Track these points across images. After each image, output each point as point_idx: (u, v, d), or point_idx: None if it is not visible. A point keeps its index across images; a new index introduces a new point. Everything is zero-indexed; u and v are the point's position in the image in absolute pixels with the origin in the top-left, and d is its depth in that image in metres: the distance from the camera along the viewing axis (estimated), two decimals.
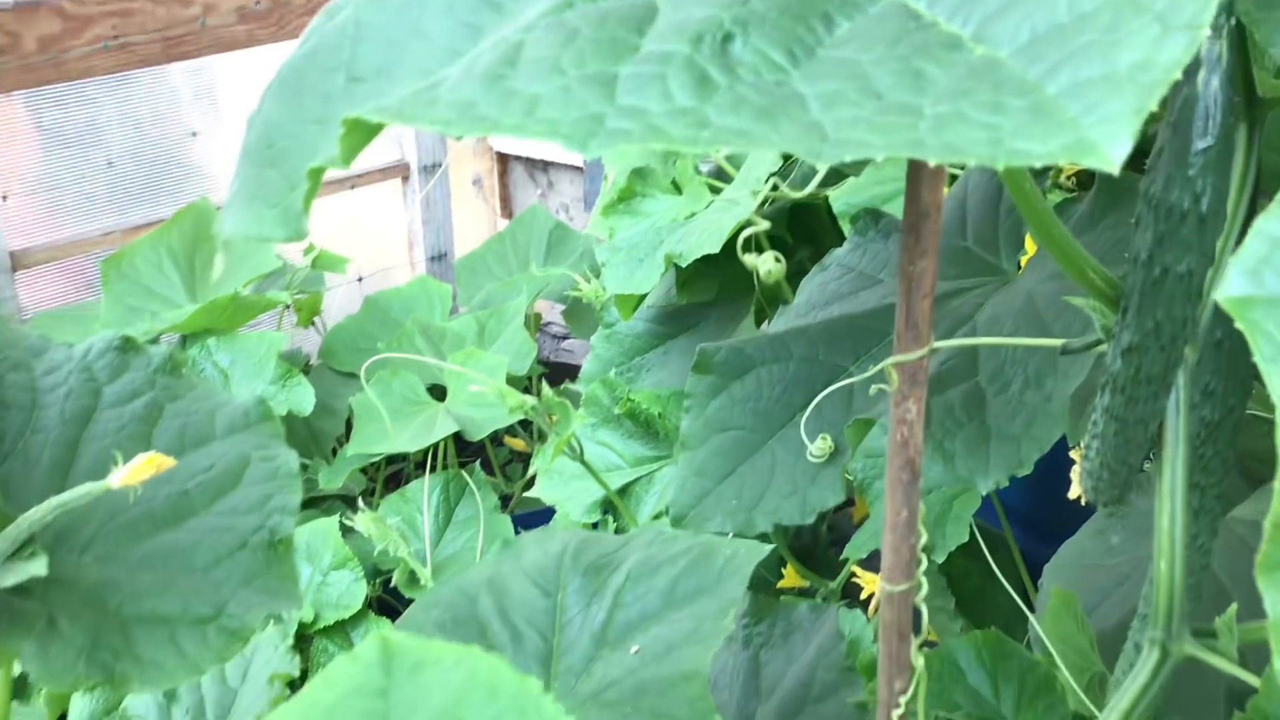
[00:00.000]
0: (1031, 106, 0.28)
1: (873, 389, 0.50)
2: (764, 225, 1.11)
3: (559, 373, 2.56)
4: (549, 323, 2.87)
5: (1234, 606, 0.55)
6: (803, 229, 1.59)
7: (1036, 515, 1.41)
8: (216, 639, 0.70)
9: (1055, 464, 1.34)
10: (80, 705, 1.48)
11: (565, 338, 2.90)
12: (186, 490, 0.78)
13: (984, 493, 0.85)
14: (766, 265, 1.08)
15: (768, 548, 0.73)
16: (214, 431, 0.82)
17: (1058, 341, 0.61)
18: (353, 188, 2.59)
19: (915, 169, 0.46)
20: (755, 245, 1.54)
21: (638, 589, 0.75)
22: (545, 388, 1.19)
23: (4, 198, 2.04)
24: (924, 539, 0.50)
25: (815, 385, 0.82)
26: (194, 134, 2.27)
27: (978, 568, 1.37)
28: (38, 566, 0.64)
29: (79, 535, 0.74)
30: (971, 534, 1.25)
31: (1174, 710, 0.69)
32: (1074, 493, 0.64)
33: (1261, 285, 0.28)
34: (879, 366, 0.55)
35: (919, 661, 0.52)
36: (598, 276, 1.88)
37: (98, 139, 2.16)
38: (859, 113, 0.29)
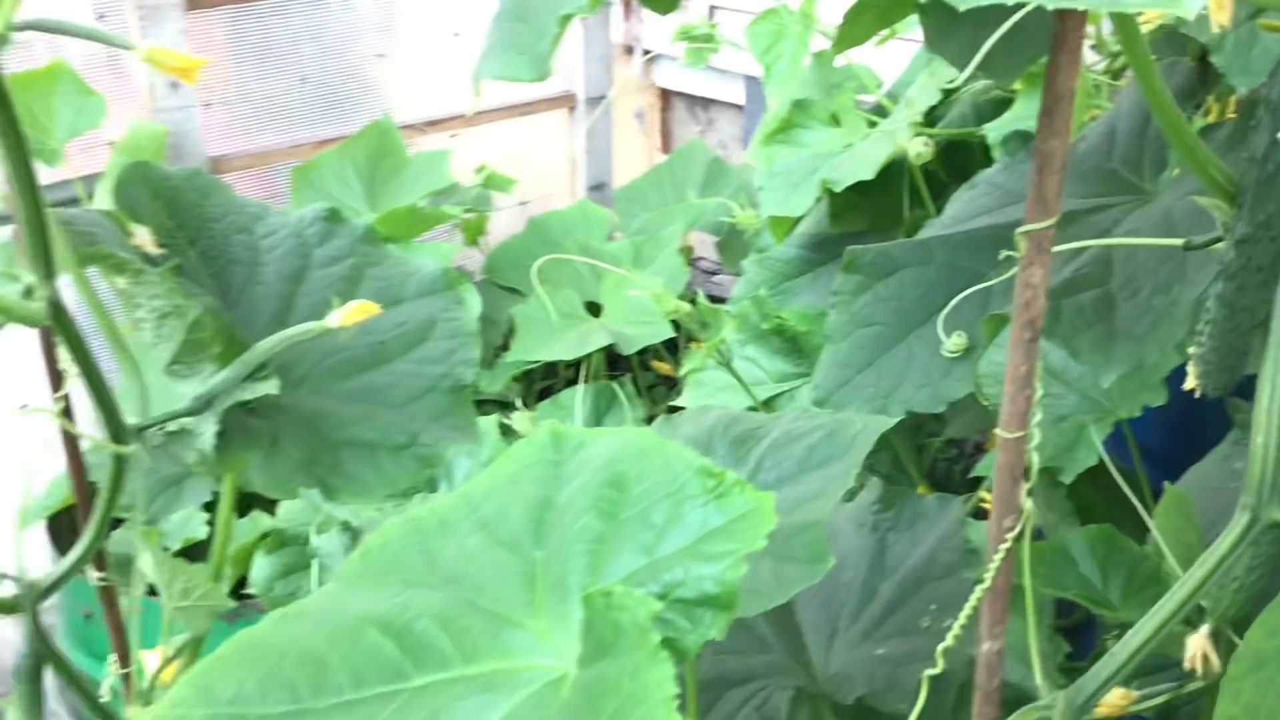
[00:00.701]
0: None
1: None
2: (917, 116, 1.17)
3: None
4: (700, 257, 2.95)
5: None
6: (957, 166, 1.63)
7: (1170, 453, 1.43)
8: (410, 463, 0.81)
9: (1192, 404, 1.37)
10: (261, 564, 1.64)
11: (716, 272, 2.97)
12: (384, 341, 0.89)
13: (1105, 385, 0.89)
14: (916, 148, 1.14)
15: (893, 421, 0.80)
16: (406, 294, 0.92)
17: (1178, 241, 0.66)
18: (522, 115, 2.70)
19: (1054, 60, 0.52)
20: (910, 184, 1.59)
21: (777, 456, 0.83)
22: (700, 296, 1.27)
23: (207, 105, 2.20)
24: (1039, 393, 0.57)
25: (955, 288, 0.88)
26: (380, 55, 2.41)
27: (1105, 499, 1.41)
28: (270, 386, 0.76)
29: (297, 372, 0.86)
30: (1102, 467, 1.28)
31: None
32: (1190, 384, 0.70)
33: None
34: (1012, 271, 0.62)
35: (1028, 503, 0.59)
36: (753, 208, 1.95)
37: (293, 56, 2.31)
38: None
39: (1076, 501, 1.39)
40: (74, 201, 2.02)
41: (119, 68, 2.17)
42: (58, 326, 0.61)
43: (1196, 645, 0.76)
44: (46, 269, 0.59)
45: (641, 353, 2.26)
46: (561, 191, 2.88)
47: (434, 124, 2.54)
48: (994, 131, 1.29)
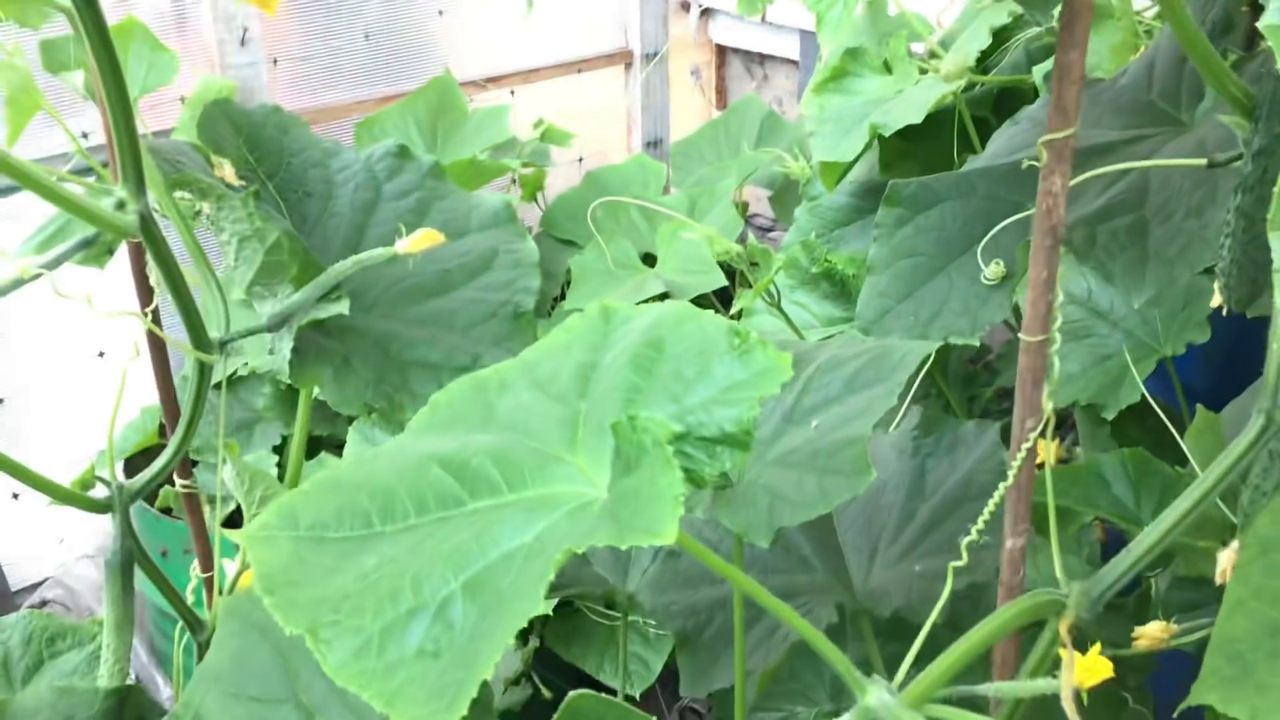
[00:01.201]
0: None
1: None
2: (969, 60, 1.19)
3: None
4: (755, 214, 2.97)
5: None
6: (1009, 112, 1.64)
7: (1213, 390, 1.45)
8: None
9: (1234, 341, 1.39)
10: None
11: (770, 229, 3.00)
12: (449, 270, 0.94)
13: (1136, 305, 0.92)
14: (948, 67, 1.17)
15: (935, 345, 0.83)
16: (470, 226, 0.97)
17: (1201, 161, 0.69)
18: (580, 72, 2.73)
19: None
20: (960, 129, 1.61)
21: (824, 379, 0.87)
22: (750, 237, 1.31)
23: (275, 61, 2.27)
24: (1059, 299, 0.60)
25: (994, 219, 0.91)
26: (440, 12, 2.46)
27: (1149, 439, 1.43)
28: (342, 306, 0.81)
29: (367, 297, 0.91)
30: (1147, 406, 1.31)
31: None
32: (1215, 301, 0.72)
33: None
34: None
35: (1048, 405, 0.62)
36: (807, 160, 1.98)
37: (356, 14, 2.37)
38: None
39: (1120, 440, 1.42)
40: None
41: (187, 26, 2.24)
42: (146, 237, 0.67)
43: (1227, 559, 0.78)
44: (137, 183, 0.65)
45: (696, 304, 2.30)
46: (618, 148, 2.92)
47: (493, 80, 2.59)
48: (1040, 71, 1.31)
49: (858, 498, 1.06)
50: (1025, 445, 0.63)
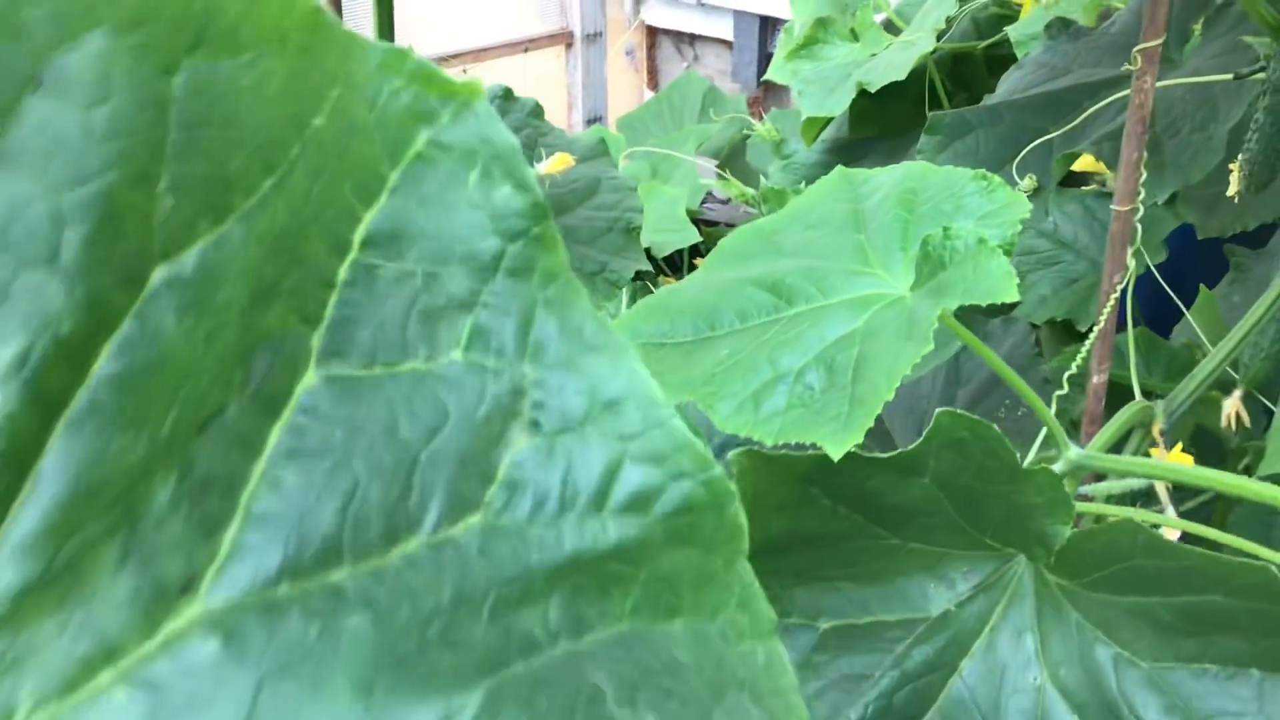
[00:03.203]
0: None
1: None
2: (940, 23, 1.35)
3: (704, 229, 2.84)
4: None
5: None
6: (960, 78, 1.84)
7: (1160, 317, 1.65)
8: (603, 285, 1.00)
9: (1186, 261, 1.59)
10: None
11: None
12: (563, 195, 1.07)
13: (1161, 202, 1.10)
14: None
15: None
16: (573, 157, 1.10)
17: (1228, 76, 0.87)
18: (525, 51, 2.86)
19: None
20: (930, 87, 1.80)
21: None
22: (763, 180, 1.46)
23: None
24: (1144, 175, 0.77)
25: (1022, 142, 1.09)
26: None
27: None
28: None
29: None
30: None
31: None
32: (1231, 190, 0.90)
33: None
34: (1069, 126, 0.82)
35: (1131, 262, 0.79)
36: (751, 131, 2.14)
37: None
38: None
39: None
40: None
41: None
42: None
43: (1231, 406, 0.97)
44: None
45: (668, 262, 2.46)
46: (560, 124, 3.05)
47: (445, 59, 2.70)
48: (1016, 30, 1.50)
49: (899, 390, 1.23)
50: (1113, 297, 0.79)
